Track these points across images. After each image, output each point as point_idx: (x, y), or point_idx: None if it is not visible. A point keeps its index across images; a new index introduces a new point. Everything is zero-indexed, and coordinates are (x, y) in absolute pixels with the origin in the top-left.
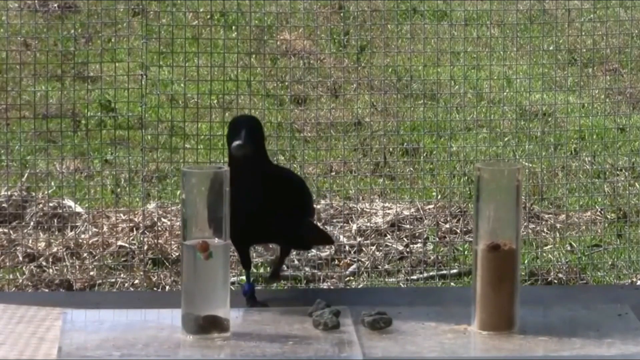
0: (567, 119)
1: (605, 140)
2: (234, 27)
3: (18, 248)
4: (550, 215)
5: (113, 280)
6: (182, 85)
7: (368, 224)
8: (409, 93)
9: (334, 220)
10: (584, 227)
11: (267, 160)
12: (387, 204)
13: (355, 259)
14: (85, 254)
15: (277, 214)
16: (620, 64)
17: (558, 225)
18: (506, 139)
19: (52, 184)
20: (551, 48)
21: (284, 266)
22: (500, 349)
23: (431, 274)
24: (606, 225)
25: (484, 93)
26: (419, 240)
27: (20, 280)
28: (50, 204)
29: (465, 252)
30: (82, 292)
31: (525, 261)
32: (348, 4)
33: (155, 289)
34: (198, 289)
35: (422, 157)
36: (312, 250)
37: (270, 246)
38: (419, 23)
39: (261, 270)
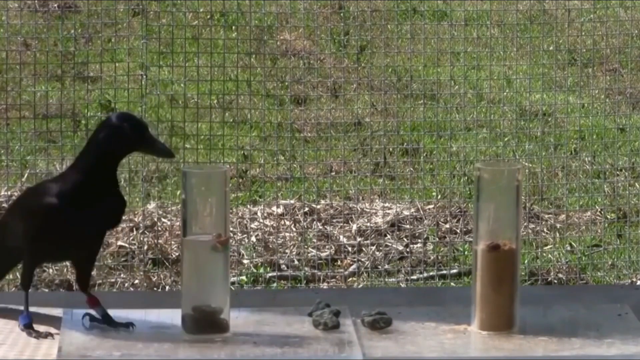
0: (567, 119)
1: (605, 140)
2: (234, 27)
3: None
4: (550, 215)
5: (113, 280)
6: (182, 85)
7: (368, 224)
8: (409, 93)
9: (334, 220)
10: (584, 227)
11: None
12: (387, 204)
13: (355, 259)
14: None
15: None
16: (620, 64)
17: (558, 225)
18: (506, 139)
19: None
20: (551, 48)
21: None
22: (500, 349)
23: (431, 274)
24: (606, 225)
25: (484, 93)
26: (419, 240)
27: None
28: None
29: (465, 252)
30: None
31: (525, 261)
32: (348, 4)
33: (155, 289)
34: (199, 286)
35: (422, 157)
36: None
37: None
38: (419, 23)
39: (261, 270)
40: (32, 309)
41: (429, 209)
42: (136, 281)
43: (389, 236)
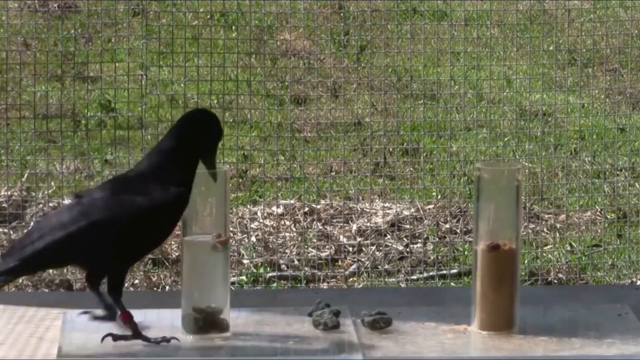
0: (567, 119)
1: (605, 140)
2: (234, 27)
3: None
4: (550, 215)
5: None
6: (182, 85)
7: (368, 224)
8: (409, 93)
9: (334, 220)
10: (584, 227)
11: None
12: (387, 204)
13: (355, 259)
14: None
15: None
16: (620, 64)
17: (558, 225)
18: (506, 139)
19: (52, 184)
20: (551, 48)
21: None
22: (500, 349)
23: (431, 274)
24: (606, 225)
25: (484, 93)
26: (419, 240)
27: (20, 280)
28: (50, 204)
29: (465, 252)
30: (82, 292)
31: (525, 261)
32: (348, 4)
33: (155, 289)
34: (199, 286)
35: (422, 157)
36: None
37: None
38: (419, 23)
39: (261, 270)
40: (31, 309)
41: (429, 209)
42: (136, 281)
43: (389, 236)
